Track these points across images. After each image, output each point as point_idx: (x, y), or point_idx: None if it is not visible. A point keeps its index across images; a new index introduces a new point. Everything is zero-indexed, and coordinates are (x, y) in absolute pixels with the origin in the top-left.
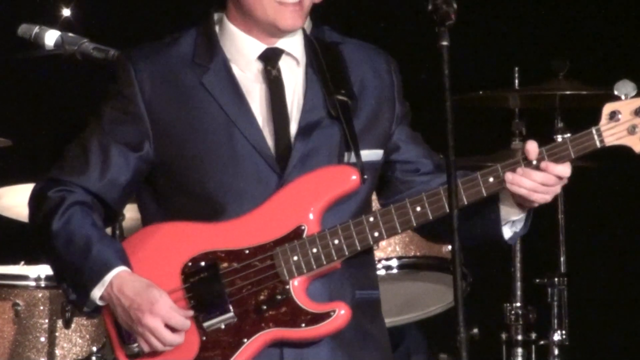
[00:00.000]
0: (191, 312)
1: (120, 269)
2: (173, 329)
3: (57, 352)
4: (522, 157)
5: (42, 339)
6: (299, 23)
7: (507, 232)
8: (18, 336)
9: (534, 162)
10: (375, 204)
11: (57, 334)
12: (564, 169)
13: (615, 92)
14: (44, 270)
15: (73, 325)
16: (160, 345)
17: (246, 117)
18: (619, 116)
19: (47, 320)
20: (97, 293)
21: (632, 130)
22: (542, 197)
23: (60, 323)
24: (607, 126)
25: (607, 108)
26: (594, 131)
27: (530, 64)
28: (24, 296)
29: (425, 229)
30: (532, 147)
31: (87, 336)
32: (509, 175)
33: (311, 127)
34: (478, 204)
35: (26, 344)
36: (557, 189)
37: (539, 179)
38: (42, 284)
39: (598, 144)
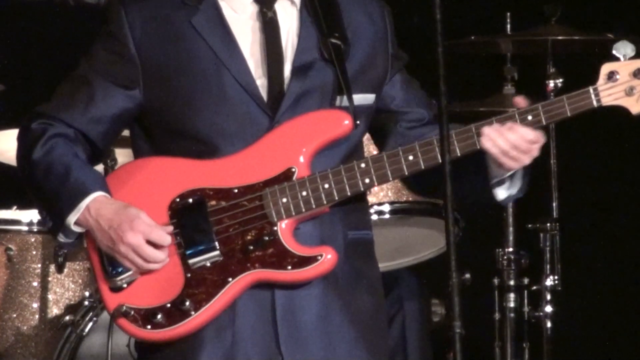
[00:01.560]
0: (170, 228)
1: (98, 193)
2: (155, 245)
3: (50, 296)
4: (517, 110)
5: (35, 284)
6: None
7: (503, 194)
8: (11, 281)
9: (530, 117)
10: (367, 150)
11: (49, 278)
12: (535, 136)
13: (614, 53)
14: (36, 215)
15: (65, 270)
16: (143, 263)
17: (236, 58)
18: (617, 77)
19: (39, 265)
20: (71, 219)
21: (629, 92)
22: (510, 162)
23: (52, 268)
24: (604, 86)
25: (605, 68)
26: (591, 90)
27: (522, 9)
28: (17, 241)
29: (415, 182)
30: (520, 100)
31: (80, 281)
32: (485, 129)
33: (305, 69)
34: (470, 163)
35: (19, 288)
36: (534, 152)
37: (512, 139)
38: (35, 228)
39: (595, 103)
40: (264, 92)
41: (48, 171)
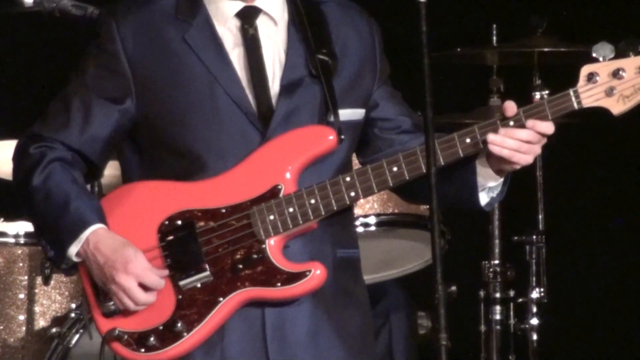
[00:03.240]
0: (166, 272)
1: (97, 226)
2: (146, 288)
3: (37, 308)
4: (499, 117)
5: (22, 296)
6: None
7: (484, 198)
8: None
9: (511, 123)
10: (357, 164)
11: (36, 290)
12: (548, 126)
13: (594, 54)
14: (23, 227)
15: (52, 282)
16: (133, 305)
17: (228, 73)
18: (597, 78)
19: (26, 277)
20: (73, 250)
21: (609, 92)
22: (524, 157)
23: (39, 280)
24: (584, 88)
25: (585, 70)
26: (571, 93)
27: (508, 20)
28: (3, 253)
29: (403, 189)
30: (510, 105)
31: (66, 293)
32: (491, 136)
33: (294, 85)
34: (455, 169)
35: (5, 300)
36: (538, 149)
37: (524, 136)
38: (22, 240)
39: (575, 105)
40: (256, 108)
41: (47, 199)
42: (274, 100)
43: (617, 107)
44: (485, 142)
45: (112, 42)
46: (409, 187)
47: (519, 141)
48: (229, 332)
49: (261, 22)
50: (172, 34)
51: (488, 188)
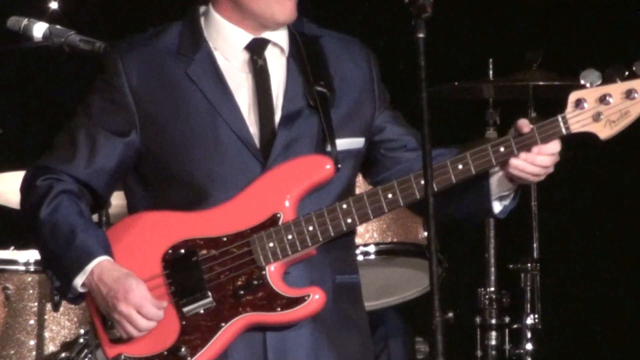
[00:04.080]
0: (165, 303)
1: (102, 258)
2: (147, 317)
3: (46, 334)
4: (489, 143)
5: (32, 322)
6: (294, 15)
7: (497, 207)
8: (8, 319)
9: (502, 149)
10: (359, 190)
11: (46, 317)
12: (554, 146)
13: (581, 81)
14: (34, 255)
15: (61, 309)
16: (135, 331)
17: (230, 106)
18: (585, 104)
19: (36, 304)
20: (79, 281)
21: (597, 118)
22: (539, 178)
23: (49, 306)
24: (572, 114)
25: (573, 96)
26: (559, 118)
27: (504, 55)
28: (14, 280)
29: (417, 206)
30: (524, 122)
31: (75, 319)
32: (513, 161)
33: (293, 116)
34: (468, 185)
35: (16, 326)
36: (551, 169)
37: (543, 162)
38: (32, 268)
39: (564, 131)
40: (256, 139)
41: (54, 232)
42: (275, 130)
43: (604, 132)
44: (477, 167)
45: (117, 77)
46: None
47: (538, 167)
48: (232, 356)
49: (269, 53)
50: (175, 69)
51: (500, 197)
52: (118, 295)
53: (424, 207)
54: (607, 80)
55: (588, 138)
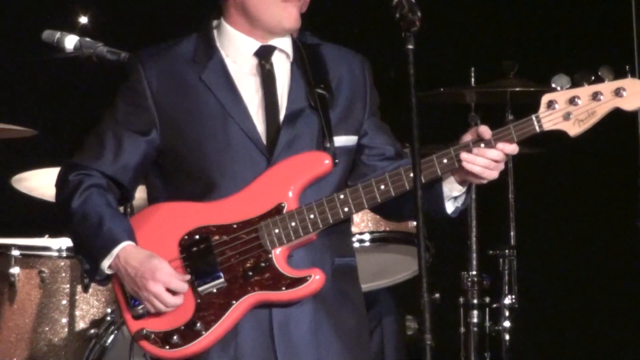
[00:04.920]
0: (188, 277)
1: (126, 243)
2: (173, 293)
3: (77, 313)
4: (471, 140)
5: (64, 302)
6: (298, 23)
7: (450, 207)
8: (43, 299)
9: (482, 145)
10: None
11: (77, 297)
12: (514, 148)
13: (553, 85)
14: (66, 242)
15: (90, 290)
16: (163, 307)
17: (239, 108)
18: (556, 105)
19: (68, 286)
20: (105, 263)
21: (566, 117)
22: (492, 173)
23: (79, 288)
24: (545, 114)
25: (545, 98)
26: (533, 118)
27: (484, 64)
28: (49, 265)
29: (385, 209)
30: (485, 129)
31: (103, 299)
32: (464, 154)
33: (295, 116)
34: (425, 184)
35: (50, 305)
36: (502, 166)
37: (494, 155)
38: (64, 254)
39: (537, 128)
40: (263, 137)
41: (84, 220)
42: (280, 128)
43: (573, 129)
44: (460, 161)
45: (140, 83)
46: (390, 208)
47: (489, 160)
48: (242, 330)
49: (275, 58)
50: (190, 75)
51: (454, 199)
52: (146, 275)
53: (392, 211)
54: (575, 84)
55: (559, 135)
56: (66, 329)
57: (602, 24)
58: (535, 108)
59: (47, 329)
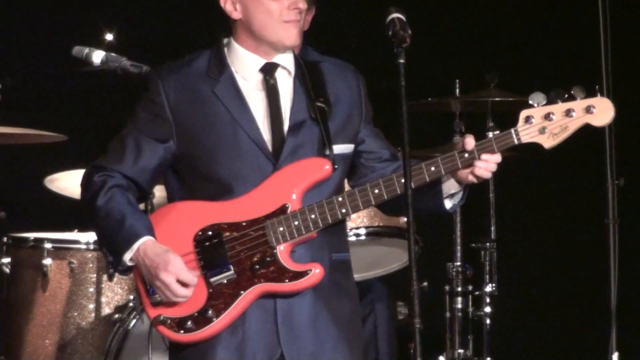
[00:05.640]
0: (197, 272)
1: (146, 238)
2: (184, 284)
3: (103, 299)
4: (456, 151)
5: (91, 290)
6: (299, 40)
7: (448, 204)
8: (73, 287)
9: (466, 155)
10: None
11: (102, 285)
12: (497, 157)
13: (530, 101)
14: (93, 236)
15: (115, 279)
16: (173, 296)
17: (248, 118)
18: (532, 120)
19: (95, 275)
20: (127, 256)
21: (542, 131)
22: (487, 175)
23: (105, 277)
24: (522, 127)
25: (523, 113)
26: (512, 131)
27: (468, 76)
28: (77, 256)
29: (384, 206)
30: (469, 140)
31: (126, 287)
32: (480, 163)
33: (298, 126)
34: (426, 186)
35: (79, 293)
36: (489, 175)
37: (490, 167)
38: (91, 247)
39: (516, 141)
40: (269, 145)
41: (108, 216)
42: (284, 137)
43: (548, 142)
44: (447, 170)
45: (158, 95)
46: (389, 205)
47: (485, 170)
48: (249, 317)
49: (279, 74)
50: (204, 88)
51: (451, 196)
52: (160, 267)
53: (391, 208)
54: (550, 101)
55: (535, 147)
56: (93, 314)
57: (574, 42)
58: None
59: (75, 314)
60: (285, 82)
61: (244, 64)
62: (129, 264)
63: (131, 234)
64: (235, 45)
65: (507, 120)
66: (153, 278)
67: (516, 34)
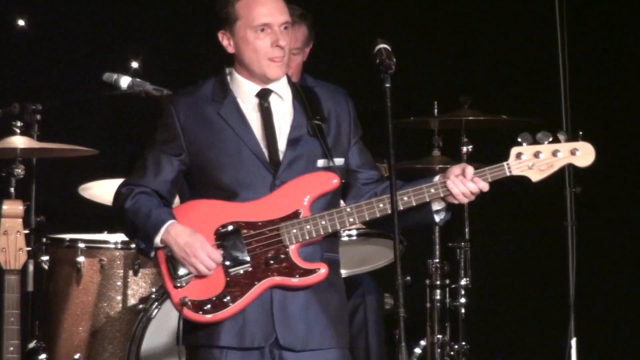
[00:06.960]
0: (222, 251)
1: (172, 221)
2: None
3: (129, 292)
4: (439, 180)
5: (119, 283)
6: (282, 74)
7: (437, 218)
8: (103, 281)
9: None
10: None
11: (128, 279)
12: (485, 185)
13: (519, 140)
14: (120, 237)
15: (139, 274)
16: (206, 270)
17: (248, 135)
18: (523, 156)
19: (122, 271)
20: (158, 239)
21: (531, 167)
22: (464, 199)
23: (131, 272)
24: (514, 162)
25: (514, 150)
26: (505, 165)
27: (445, 98)
28: (107, 254)
29: (374, 224)
30: (470, 171)
31: (149, 281)
32: (449, 182)
33: (296, 141)
34: (419, 206)
35: (108, 286)
36: (473, 197)
37: (470, 187)
38: (119, 246)
39: (507, 173)
40: (268, 158)
41: (136, 213)
42: (282, 151)
43: (535, 176)
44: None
45: (171, 117)
46: (378, 220)
47: (466, 189)
48: (248, 306)
49: (273, 98)
50: (210, 111)
51: (436, 211)
52: (196, 245)
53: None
54: (538, 141)
55: (523, 179)
56: (120, 305)
57: (535, 69)
58: (484, 133)
59: (105, 304)
60: (278, 105)
61: (243, 90)
62: (161, 245)
63: (159, 220)
64: (236, 74)
65: (480, 137)
66: (188, 256)
67: (487, 62)
